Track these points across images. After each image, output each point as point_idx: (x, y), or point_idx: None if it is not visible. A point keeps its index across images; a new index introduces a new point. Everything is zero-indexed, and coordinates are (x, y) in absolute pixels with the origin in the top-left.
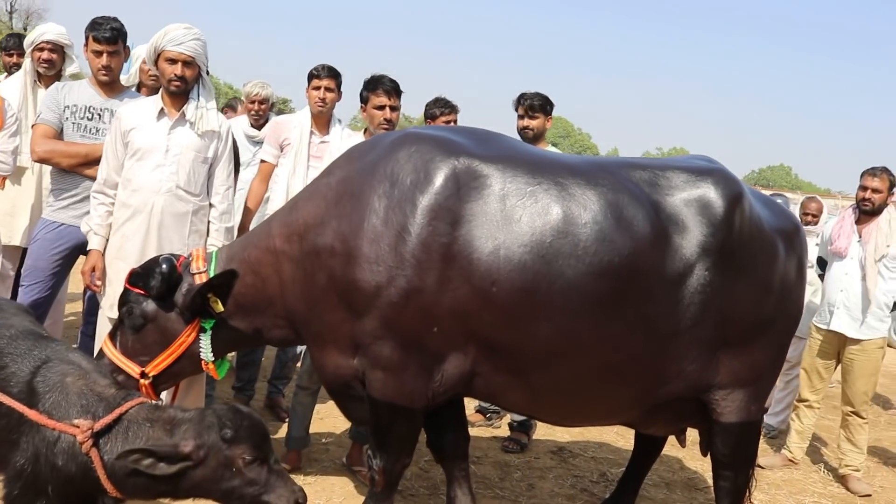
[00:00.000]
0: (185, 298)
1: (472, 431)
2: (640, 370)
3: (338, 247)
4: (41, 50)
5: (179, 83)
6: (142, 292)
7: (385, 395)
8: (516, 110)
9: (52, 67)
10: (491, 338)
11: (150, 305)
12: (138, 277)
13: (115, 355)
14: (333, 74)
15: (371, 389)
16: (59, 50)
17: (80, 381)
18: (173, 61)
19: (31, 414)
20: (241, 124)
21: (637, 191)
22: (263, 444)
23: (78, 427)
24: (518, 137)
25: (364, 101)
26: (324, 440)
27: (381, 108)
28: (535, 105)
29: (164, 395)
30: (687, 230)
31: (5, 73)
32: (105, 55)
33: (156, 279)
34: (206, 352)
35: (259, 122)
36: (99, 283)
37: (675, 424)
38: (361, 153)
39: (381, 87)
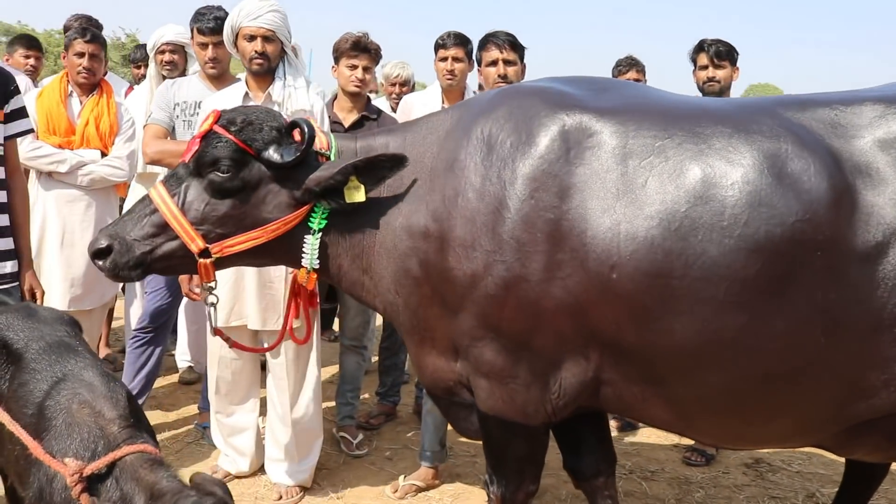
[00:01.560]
0: (325, 173)
1: (647, 437)
2: (825, 379)
3: (431, 228)
4: (162, 52)
5: (261, 60)
6: (249, 150)
7: (493, 407)
8: (694, 61)
9: (174, 69)
10: (615, 337)
11: (258, 170)
12: (252, 130)
13: (175, 215)
14: (461, 42)
15: (478, 400)
16: (179, 50)
17: (86, 409)
18: (252, 37)
19: (30, 443)
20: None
21: (807, 136)
22: None
23: (66, 466)
24: (698, 94)
25: (478, 62)
26: (469, 451)
27: (494, 63)
28: (721, 52)
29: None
30: (884, 184)
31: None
32: (210, 47)
33: (288, 145)
34: (310, 257)
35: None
36: (198, 290)
37: (891, 449)
38: (458, 114)
39: (491, 40)
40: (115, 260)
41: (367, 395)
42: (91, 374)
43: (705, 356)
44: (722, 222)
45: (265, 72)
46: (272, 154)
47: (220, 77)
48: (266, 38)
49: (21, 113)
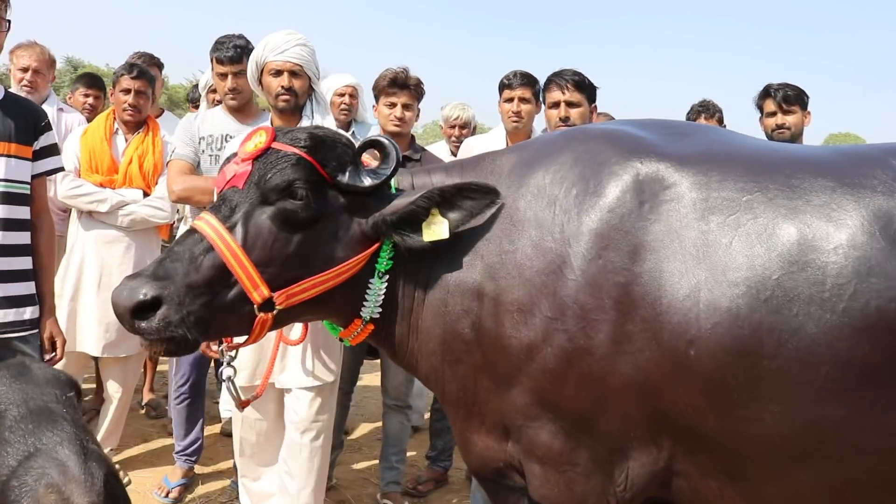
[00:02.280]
0: (404, 200)
1: None
2: None
3: (486, 287)
4: (214, 91)
5: (288, 96)
6: (323, 171)
7: (547, 497)
8: (760, 108)
9: None
10: (692, 424)
11: (332, 198)
12: (324, 148)
13: (235, 254)
14: (528, 81)
15: (530, 488)
16: None
17: (53, 494)
18: (278, 72)
19: None
20: (440, 152)
21: None
22: None
23: None
24: None
25: (543, 102)
26: None
27: (556, 105)
28: (789, 96)
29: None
30: None
31: None
32: (230, 77)
33: (364, 168)
34: (372, 305)
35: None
36: (215, 347)
37: None
38: (518, 156)
39: (554, 80)
40: (168, 316)
41: (414, 453)
42: (66, 451)
43: (799, 451)
44: (822, 294)
45: (292, 109)
46: (353, 177)
47: (241, 108)
48: (293, 73)
49: (52, 150)
